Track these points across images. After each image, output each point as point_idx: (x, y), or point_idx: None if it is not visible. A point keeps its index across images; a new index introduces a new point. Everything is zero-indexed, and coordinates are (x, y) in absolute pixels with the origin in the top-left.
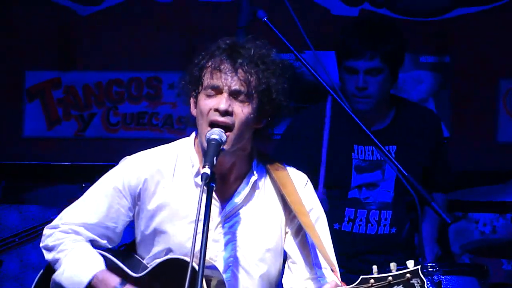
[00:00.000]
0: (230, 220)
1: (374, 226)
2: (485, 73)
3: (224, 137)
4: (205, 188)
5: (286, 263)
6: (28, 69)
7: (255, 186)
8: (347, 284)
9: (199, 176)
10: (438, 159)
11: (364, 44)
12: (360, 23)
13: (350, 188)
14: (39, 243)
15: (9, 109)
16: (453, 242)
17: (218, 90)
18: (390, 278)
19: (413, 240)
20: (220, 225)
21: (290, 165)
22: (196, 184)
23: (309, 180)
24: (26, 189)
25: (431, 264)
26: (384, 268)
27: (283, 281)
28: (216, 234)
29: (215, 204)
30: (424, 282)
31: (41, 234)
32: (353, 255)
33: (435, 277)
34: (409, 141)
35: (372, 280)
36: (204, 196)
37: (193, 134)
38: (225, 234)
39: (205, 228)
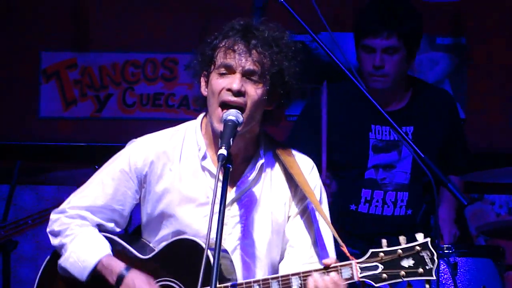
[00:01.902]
0: (238, 203)
1: (390, 208)
2: (500, 55)
3: (241, 118)
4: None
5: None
6: (44, 49)
7: (262, 169)
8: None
9: (207, 159)
10: (455, 141)
11: (382, 22)
12: (378, 2)
13: (367, 168)
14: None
15: (25, 90)
16: (469, 224)
17: (231, 70)
18: (399, 251)
19: (429, 221)
20: (228, 207)
21: (304, 147)
22: (203, 168)
23: (314, 166)
24: (42, 170)
25: (446, 246)
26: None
27: (280, 265)
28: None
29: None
30: (433, 254)
31: None
32: (368, 237)
33: (451, 259)
34: (425, 122)
35: (381, 254)
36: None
37: (200, 117)
38: (233, 216)
39: (222, 210)
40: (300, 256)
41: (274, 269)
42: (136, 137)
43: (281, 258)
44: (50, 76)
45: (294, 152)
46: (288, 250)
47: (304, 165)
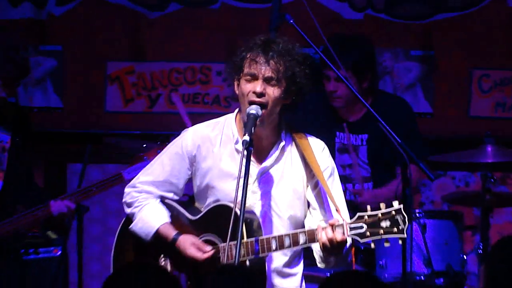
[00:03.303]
0: (265, 176)
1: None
2: (461, 64)
3: (260, 112)
4: (245, 151)
5: (308, 209)
6: (110, 60)
7: (283, 150)
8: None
9: (239, 144)
10: (412, 137)
11: (333, 58)
12: (333, 40)
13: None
14: (117, 190)
15: (95, 90)
16: (436, 194)
17: (255, 77)
18: (379, 215)
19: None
20: (257, 180)
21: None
22: (237, 150)
23: (326, 147)
24: (107, 152)
25: (417, 211)
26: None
27: (305, 222)
28: (254, 187)
29: (253, 164)
30: (405, 217)
31: (114, 184)
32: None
33: (421, 221)
34: (381, 130)
35: (366, 217)
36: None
37: (236, 111)
38: (261, 187)
39: (245, 182)
40: (319, 214)
41: (296, 225)
42: (180, 128)
43: (305, 216)
44: (114, 80)
45: (308, 136)
46: (311, 211)
47: (316, 147)
